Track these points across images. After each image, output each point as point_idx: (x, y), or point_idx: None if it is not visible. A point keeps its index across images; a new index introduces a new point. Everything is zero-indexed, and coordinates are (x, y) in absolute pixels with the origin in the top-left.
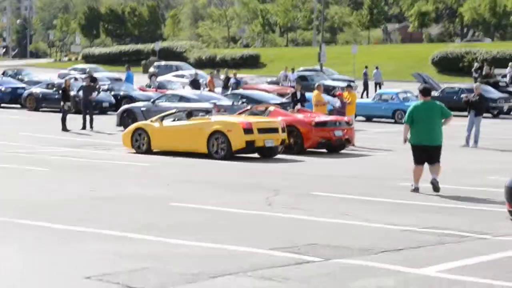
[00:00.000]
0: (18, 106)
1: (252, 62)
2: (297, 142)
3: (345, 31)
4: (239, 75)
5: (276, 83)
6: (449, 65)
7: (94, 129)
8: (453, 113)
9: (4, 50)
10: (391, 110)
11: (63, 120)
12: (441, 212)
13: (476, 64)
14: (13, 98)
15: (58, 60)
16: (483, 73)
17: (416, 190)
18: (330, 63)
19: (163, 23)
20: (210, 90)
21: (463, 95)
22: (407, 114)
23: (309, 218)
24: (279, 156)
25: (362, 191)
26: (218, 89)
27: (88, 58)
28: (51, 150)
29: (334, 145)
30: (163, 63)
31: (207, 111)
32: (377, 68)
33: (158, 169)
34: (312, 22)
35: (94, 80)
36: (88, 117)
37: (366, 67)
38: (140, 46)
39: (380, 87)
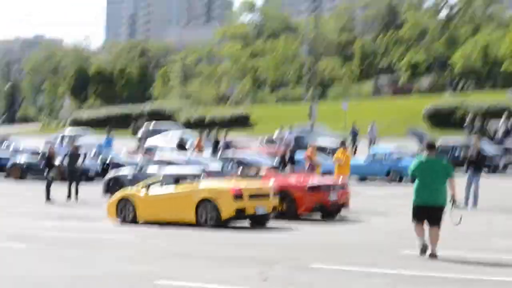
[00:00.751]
0: (3, 174)
1: (242, 122)
2: (290, 208)
3: (335, 85)
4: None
5: (271, 141)
6: (441, 119)
7: (79, 198)
8: None
9: None
10: (385, 170)
11: (47, 190)
12: (455, 284)
13: (469, 117)
14: None
15: (46, 124)
16: (475, 128)
17: (424, 248)
18: (321, 119)
19: (152, 83)
20: (199, 151)
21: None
22: (410, 169)
23: None
24: (271, 223)
25: (363, 261)
26: (208, 151)
27: (76, 123)
28: (31, 224)
29: (329, 210)
30: (151, 127)
31: (196, 176)
32: (373, 123)
33: (144, 242)
34: (303, 77)
35: (77, 148)
36: (74, 186)
37: (354, 123)
38: (129, 109)
39: (373, 143)
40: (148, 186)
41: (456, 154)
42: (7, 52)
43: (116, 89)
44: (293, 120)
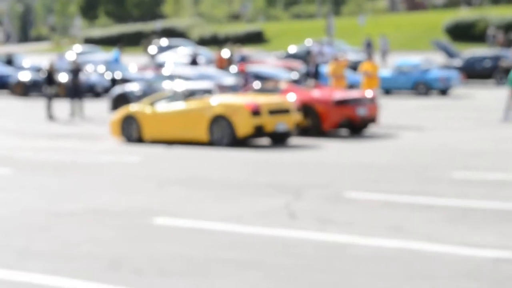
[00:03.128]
0: (7, 91)
1: (256, 38)
2: (314, 124)
3: (349, 2)
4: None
5: (302, 57)
6: (461, 33)
7: (85, 116)
8: (477, 82)
9: (5, 36)
10: (411, 82)
11: (48, 106)
12: None
13: (491, 28)
14: (0, 84)
15: (58, 43)
16: (498, 40)
17: None
18: (337, 35)
19: (164, 2)
20: (221, 67)
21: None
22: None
23: (351, 238)
24: (293, 141)
25: (407, 188)
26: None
27: (88, 41)
28: (25, 144)
29: (357, 126)
30: (162, 43)
31: (208, 91)
32: (383, 36)
33: (147, 166)
34: None
35: (77, 64)
36: (77, 103)
37: (368, 38)
38: (140, 26)
39: (385, 56)
40: (155, 102)
41: (487, 65)
42: None
43: (126, 8)
44: (309, 35)
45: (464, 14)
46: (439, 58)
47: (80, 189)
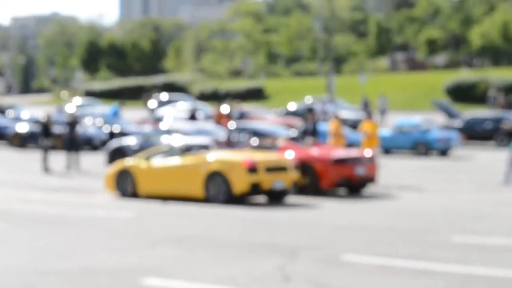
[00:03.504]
0: (4, 142)
1: (256, 95)
2: (312, 182)
3: (350, 61)
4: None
5: (301, 115)
6: (462, 94)
7: (81, 169)
8: (478, 143)
9: (6, 87)
10: (411, 142)
11: (44, 158)
12: None
13: (492, 90)
14: None
15: (58, 95)
16: (499, 102)
17: None
18: (337, 93)
19: (165, 57)
20: (220, 123)
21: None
22: None
23: None
24: (290, 200)
25: (406, 252)
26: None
27: (89, 94)
28: (18, 196)
29: (356, 185)
30: (163, 98)
31: (205, 147)
32: (382, 95)
33: (140, 223)
34: (317, 52)
35: (75, 116)
36: (73, 155)
37: (365, 97)
38: (141, 81)
39: (384, 115)
40: (151, 157)
41: (488, 127)
42: (22, 28)
43: (128, 62)
44: (308, 93)
45: (464, 75)
46: (439, 118)
47: (69, 246)
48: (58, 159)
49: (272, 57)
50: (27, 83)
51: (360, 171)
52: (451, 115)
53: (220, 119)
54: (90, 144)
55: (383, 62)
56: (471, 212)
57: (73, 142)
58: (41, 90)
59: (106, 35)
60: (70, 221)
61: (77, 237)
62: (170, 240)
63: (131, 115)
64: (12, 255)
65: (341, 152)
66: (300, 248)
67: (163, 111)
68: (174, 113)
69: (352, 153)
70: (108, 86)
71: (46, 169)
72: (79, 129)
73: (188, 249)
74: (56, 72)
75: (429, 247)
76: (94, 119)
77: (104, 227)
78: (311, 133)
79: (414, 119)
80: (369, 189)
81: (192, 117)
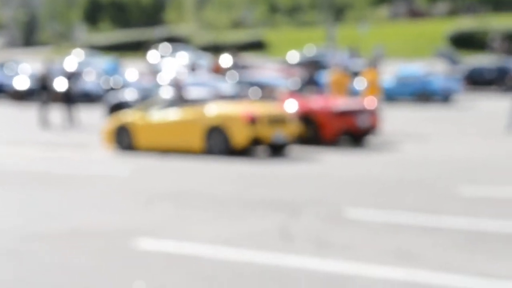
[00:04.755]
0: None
1: (256, 46)
2: (313, 134)
3: (350, 11)
4: (243, 59)
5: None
6: (465, 41)
7: (78, 122)
8: (481, 90)
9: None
10: (414, 91)
11: (41, 113)
12: None
13: (494, 37)
14: None
15: (59, 48)
16: (501, 48)
17: None
18: (338, 43)
19: (165, 9)
20: (218, 73)
21: None
22: None
23: (352, 267)
24: (292, 152)
25: (413, 206)
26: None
27: (89, 47)
28: (12, 152)
29: (358, 136)
30: (163, 49)
31: (205, 100)
32: (377, 46)
33: (137, 180)
34: (317, 1)
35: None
36: (69, 109)
37: (351, 48)
38: (142, 33)
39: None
40: (149, 110)
41: (491, 75)
42: None
43: (129, 15)
44: (309, 43)
45: (466, 23)
46: (440, 66)
47: (61, 206)
48: (55, 114)
49: (272, 8)
50: (29, 37)
51: (362, 122)
52: (454, 62)
53: (218, 70)
54: (88, 98)
55: (383, 11)
56: (479, 161)
57: (68, 96)
58: (43, 43)
59: None
60: (64, 179)
61: (70, 197)
62: (166, 198)
63: (132, 67)
64: (0, 217)
65: (343, 104)
66: (302, 204)
67: (163, 64)
68: (174, 65)
69: (354, 104)
70: (108, 39)
71: (44, 123)
72: (76, 83)
73: (184, 207)
74: (57, 26)
75: (437, 199)
76: (94, 72)
77: (99, 186)
78: (312, 83)
79: (416, 67)
80: (372, 140)
81: (193, 69)
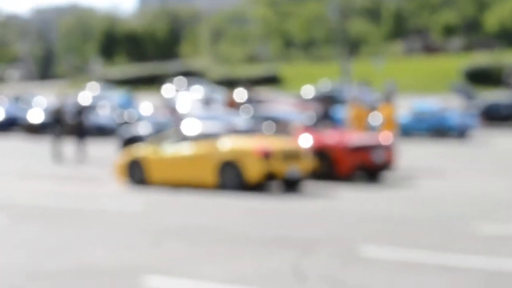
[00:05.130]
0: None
1: (271, 80)
2: (328, 170)
3: (365, 45)
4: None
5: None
6: (481, 77)
7: (87, 157)
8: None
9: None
10: (431, 126)
11: (54, 146)
12: None
13: (508, 72)
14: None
15: (75, 82)
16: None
17: None
18: (352, 78)
19: (180, 43)
20: (232, 108)
21: None
22: None
23: None
24: (306, 187)
25: (430, 244)
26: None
27: (105, 81)
28: (24, 186)
29: (373, 172)
30: (178, 83)
31: (219, 135)
32: (390, 81)
33: (148, 216)
34: (332, 37)
35: (80, 104)
36: (80, 143)
37: (361, 82)
38: (157, 68)
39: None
40: (161, 144)
41: (508, 111)
42: (42, 20)
43: (144, 49)
44: (323, 78)
45: (481, 58)
46: (455, 101)
47: (70, 243)
48: (68, 147)
49: (287, 43)
50: (45, 71)
51: (377, 157)
52: (470, 97)
53: (233, 105)
54: (102, 131)
55: (398, 46)
56: (496, 199)
57: (80, 130)
58: (59, 77)
59: (123, 24)
60: (74, 215)
61: (79, 233)
62: (177, 234)
63: (146, 101)
64: (6, 254)
65: (358, 139)
66: (316, 242)
67: (178, 98)
68: (189, 99)
69: (369, 139)
70: (124, 72)
71: (57, 157)
72: (89, 117)
73: (195, 245)
74: (73, 59)
75: (454, 237)
76: (108, 106)
77: (109, 221)
78: (327, 118)
79: (431, 102)
80: (388, 176)
81: (207, 103)
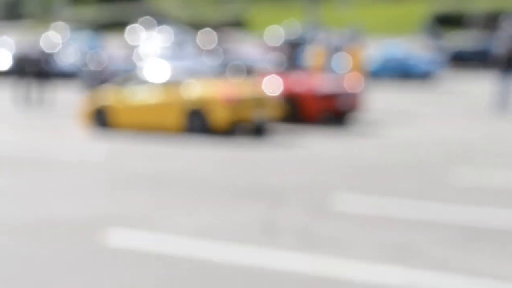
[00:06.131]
0: None
1: (238, 23)
2: (295, 115)
3: None
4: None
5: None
6: (445, 21)
7: (47, 102)
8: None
9: None
10: (397, 69)
11: (16, 95)
12: None
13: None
14: None
15: (39, 22)
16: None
17: None
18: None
19: None
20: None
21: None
22: None
23: (342, 267)
24: (273, 133)
25: (406, 193)
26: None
27: (72, 21)
28: None
29: (340, 117)
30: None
31: (185, 80)
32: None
33: (113, 165)
34: None
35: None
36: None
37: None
38: (123, 11)
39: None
40: (126, 90)
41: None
42: None
43: None
44: (290, 19)
45: (448, 2)
46: (423, 44)
47: (30, 194)
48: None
49: None
50: (13, 11)
51: (344, 103)
52: (438, 38)
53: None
54: (65, 76)
55: None
56: (467, 144)
57: (40, 77)
58: (26, 17)
59: None
60: (35, 165)
61: (39, 184)
62: (141, 185)
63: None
64: None
65: (326, 84)
66: (286, 192)
67: (144, 40)
68: (159, 41)
69: (337, 84)
70: (90, 14)
71: (19, 103)
72: (52, 63)
73: (161, 196)
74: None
75: (429, 186)
76: (73, 50)
77: (71, 171)
78: (293, 61)
79: (399, 46)
80: (356, 121)
81: (180, 45)
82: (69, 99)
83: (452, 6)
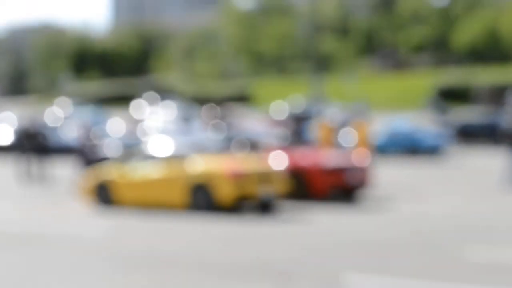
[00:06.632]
0: None
1: (242, 97)
2: (302, 191)
3: (335, 62)
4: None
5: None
6: (450, 95)
7: (47, 177)
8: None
9: None
10: (404, 144)
11: (18, 170)
12: None
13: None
14: None
15: (44, 98)
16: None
17: None
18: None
19: (151, 60)
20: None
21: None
22: None
23: None
24: (280, 209)
25: (417, 272)
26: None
27: (74, 98)
28: None
29: (348, 193)
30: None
31: (189, 155)
32: (359, 102)
33: (114, 242)
34: (302, 52)
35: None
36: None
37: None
38: (128, 86)
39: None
40: (129, 165)
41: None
42: (15, 40)
43: (115, 66)
44: (295, 94)
45: (454, 76)
46: (429, 119)
47: (24, 274)
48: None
49: (258, 60)
50: (18, 87)
51: (351, 178)
52: (444, 112)
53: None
54: (66, 151)
55: (369, 63)
56: (478, 222)
57: (41, 150)
58: (30, 92)
59: (94, 44)
60: (35, 241)
61: (37, 262)
62: (141, 263)
63: (117, 118)
64: None
65: (332, 160)
66: (295, 268)
67: (149, 114)
68: (163, 115)
69: (344, 160)
70: (95, 89)
71: (21, 178)
72: (54, 137)
73: (161, 275)
74: (45, 75)
75: (442, 265)
76: (75, 125)
77: (70, 247)
78: (299, 136)
79: (405, 121)
80: (365, 196)
81: (187, 120)
82: (71, 174)
83: (457, 80)
